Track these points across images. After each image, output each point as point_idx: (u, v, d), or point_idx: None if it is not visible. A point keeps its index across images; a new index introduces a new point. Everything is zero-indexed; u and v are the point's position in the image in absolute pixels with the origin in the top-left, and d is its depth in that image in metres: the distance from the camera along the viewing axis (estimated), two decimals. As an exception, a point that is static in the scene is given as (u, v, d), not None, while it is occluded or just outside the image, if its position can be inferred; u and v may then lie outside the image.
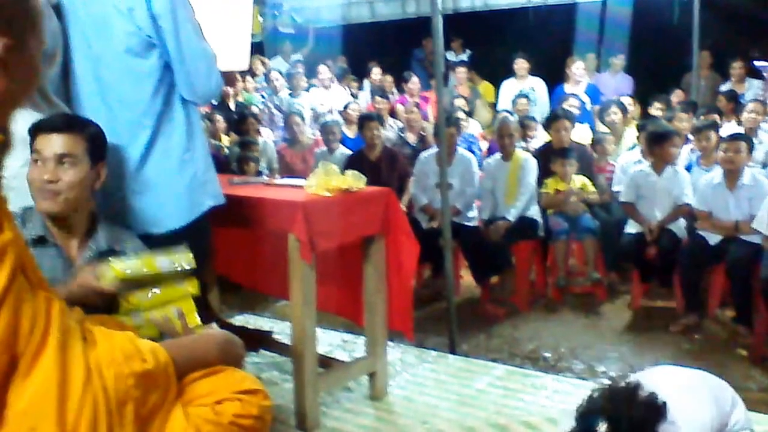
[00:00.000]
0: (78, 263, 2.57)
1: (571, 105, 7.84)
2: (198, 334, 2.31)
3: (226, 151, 7.59)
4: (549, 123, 6.65)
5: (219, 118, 7.71)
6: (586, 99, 8.85)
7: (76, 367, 1.62)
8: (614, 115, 7.27)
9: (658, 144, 5.69)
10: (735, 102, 7.78)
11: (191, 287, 2.50)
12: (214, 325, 2.54)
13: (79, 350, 1.65)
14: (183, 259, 2.48)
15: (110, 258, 2.42)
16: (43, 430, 1.58)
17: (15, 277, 1.52)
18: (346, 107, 8.51)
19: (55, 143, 2.49)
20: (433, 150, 6.24)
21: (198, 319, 2.46)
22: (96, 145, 2.58)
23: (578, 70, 9.25)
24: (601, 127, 7.56)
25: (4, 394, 1.55)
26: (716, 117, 6.85)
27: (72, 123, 2.55)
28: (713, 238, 5.21)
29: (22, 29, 1.55)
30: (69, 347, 1.62)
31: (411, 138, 7.92)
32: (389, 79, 10.39)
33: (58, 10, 2.88)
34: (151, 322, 2.36)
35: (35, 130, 2.51)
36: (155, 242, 2.81)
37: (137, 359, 1.76)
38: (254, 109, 8.55)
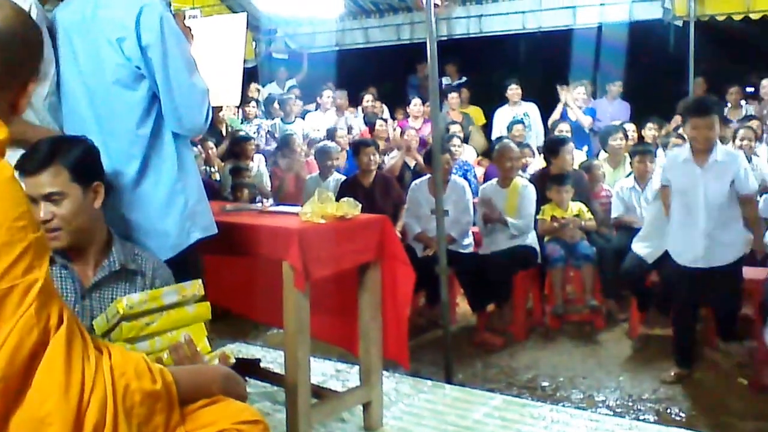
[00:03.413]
0: (90, 282, 2.53)
1: (560, 130, 7.86)
2: (202, 366, 2.26)
3: (218, 176, 7.54)
4: (552, 148, 6.58)
5: (211, 144, 7.66)
6: (589, 120, 8.87)
7: (88, 367, 1.65)
8: (620, 140, 7.25)
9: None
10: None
11: (203, 312, 2.45)
12: (225, 349, 2.47)
13: (93, 355, 1.67)
14: (192, 288, 2.43)
15: (118, 296, 2.41)
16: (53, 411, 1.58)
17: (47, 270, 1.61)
18: (333, 133, 8.48)
19: (38, 184, 2.43)
20: (425, 177, 6.20)
21: (208, 345, 2.41)
22: (82, 167, 2.50)
23: (566, 95, 9.26)
24: (601, 153, 7.55)
25: (29, 373, 1.56)
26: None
27: (50, 157, 2.45)
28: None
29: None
30: (86, 351, 1.66)
31: (410, 160, 7.89)
32: (378, 104, 10.41)
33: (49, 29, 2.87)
34: (157, 348, 2.31)
35: (20, 172, 2.42)
36: None
37: (147, 378, 1.78)
38: (244, 134, 8.50)
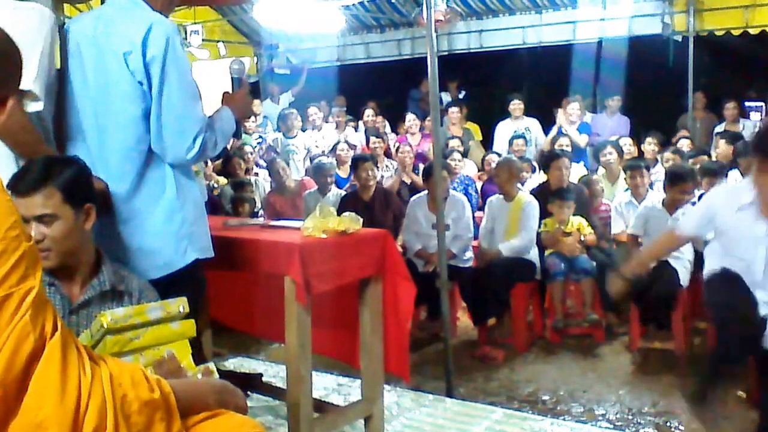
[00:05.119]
0: (78, 301, 2.53)
1: (560, 145, 7.90)
2: (197, 379, 2.27)
3: (218, 191, 7.56)
4: (546, 163, 6.62)
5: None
6: (585, 139, 8.90)
7: (84, 374, 1.64)
8: (609, 155, 7.29)
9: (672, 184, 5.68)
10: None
11: (187, 329, 2.45)
12: (211, 365, 2.46)
13: (88, 364, 1.67)
14: (177, 304, 2.43)
15: (102, 311, 2.36)
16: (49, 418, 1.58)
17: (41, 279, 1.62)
18: (335, 148, 8.51)
19: (30, 205, 2.42)
20: (423, 193, 6.22)
21: (192, 362, 2.41)
22: (74, 189, 2.49)
23: (560, 118, 9.30)
24: (600, 168, 7.58)
25: (26, 379, 1.56)
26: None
27: (43, 179, 2.44)
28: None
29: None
30: (81, 359, 1.66)
31: (406, 177, 7.92)
32: (380, 119, 10.44)
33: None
34: (141, 364, 2.31)
35: (11, 191, 2.41)
36: None
37: (145, 387, 1.77)
38: (246, 149, 8.51)
